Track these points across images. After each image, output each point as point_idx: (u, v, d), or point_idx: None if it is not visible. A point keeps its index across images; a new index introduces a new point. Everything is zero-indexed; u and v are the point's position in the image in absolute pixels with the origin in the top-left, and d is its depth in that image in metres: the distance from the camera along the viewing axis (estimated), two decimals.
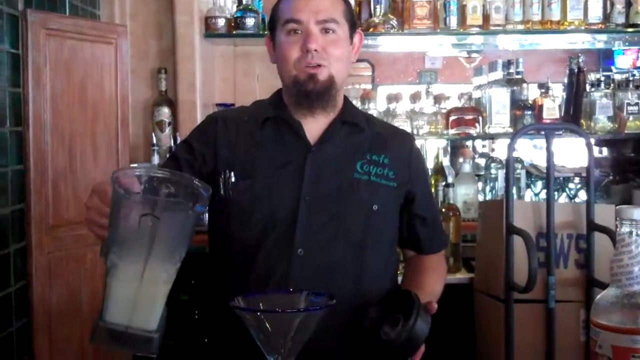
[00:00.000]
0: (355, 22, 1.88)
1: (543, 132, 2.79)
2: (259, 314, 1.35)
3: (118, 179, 1.31)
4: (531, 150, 5.07)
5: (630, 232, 1.15)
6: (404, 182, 1.86)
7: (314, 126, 1.83)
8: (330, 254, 1.75)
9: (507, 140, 2.84)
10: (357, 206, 1.79)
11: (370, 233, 1.80)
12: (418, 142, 3.49)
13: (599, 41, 3.86)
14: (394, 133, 1.99)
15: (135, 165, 3.27)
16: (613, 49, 4.86)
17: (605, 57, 6.51)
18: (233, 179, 1.79)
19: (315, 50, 1.73)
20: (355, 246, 1.78)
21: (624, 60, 6.00)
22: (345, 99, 1.92)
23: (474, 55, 5.99)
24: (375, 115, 3.40)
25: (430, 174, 3.32)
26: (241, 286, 1.70)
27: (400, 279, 2.00)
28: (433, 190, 3.16)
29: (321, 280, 1.71)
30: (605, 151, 4.05)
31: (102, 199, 1.44)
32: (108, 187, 1.37)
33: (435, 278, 1.95)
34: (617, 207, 1.15)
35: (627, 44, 3.97)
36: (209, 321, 1.91)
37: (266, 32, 1.92)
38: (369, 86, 7.28)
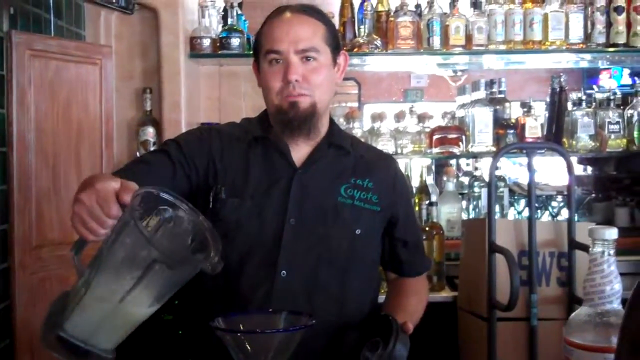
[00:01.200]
0: (339, 44, 1.88)
1: (525, 151, 2.82)
2: (238, 334, 1.36)
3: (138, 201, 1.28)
4: (516, 169, 5.12)
5: (603, 252, 1.17)
6: (388, 206, 1.88)
7: (300, 147, 1.85)
8: (313, 276, 1.77)
9: (491, 159, 2.87)
10: (341, 230, 1.80)
11: (353, 257, 1.81)
12: (402, 161, 3.54)
13: (583, 60, 3.90)
14: (378, 157, 2.00)
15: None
16: (600, 67, 4.92)
17: (589, 76, 6.59)
18: (223, 196, 1.80)
19: (297, 80, 1.74)
20: (338, 269, 1.79)
21: (608, 80, 6.09)
22: (332, 121, 1.93)
23: (459, 74, 6.05)
24: (359, 134, 3.44)
25: (414, 193, 3.34)
26: (225, 306, 1.71)
27: (382, 299, 2.01)
28: (417, 208, 3.19)
29: (304, 302, 1.73)
30: (587, 169, 4.08)
31: (100, 202, 1.35)
32: (111, 191, 1.33)
33: (416, 301, 1.95)
34: (589, 227, 1.16)
35: (608, 63, 4.01)
36: (193, 341, 1.90)
37: (252, 55, 1.93)
38: (355, 104, 7.34)
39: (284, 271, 1.75)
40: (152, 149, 3.49)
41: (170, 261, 1.25)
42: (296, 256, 1.77)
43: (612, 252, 1.17)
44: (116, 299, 1.27)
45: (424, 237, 2.93)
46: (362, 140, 2.48)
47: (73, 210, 1.39)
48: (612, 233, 1.16)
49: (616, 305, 1.16)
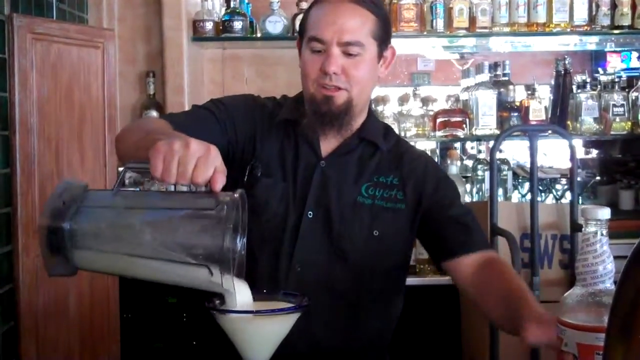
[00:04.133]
0: (389, 36, 1.77)
1: (527, 134, 2.81)
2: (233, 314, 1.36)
3: None
4: (523, 152, 5.09)
5: (595, 232, 1.16)
6: (417, 202, 1.76)
7: (330, 138, 1.78)
8: (328, 274, 1.72)
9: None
10: (357, 230, 1.73)
11: (370, 257, 1.73)
12: None
13: (590, 43, 3.89)
14: (406, 149, 1.85)
15: None
16: (605, 50, 4.89)
17: (597, 59, 6.54)
18: (258, 173, 1.76)
19: (335, 73, 1.66)
20: (352, 270, 1.73)
21: (617, 62, 6.03)
22: (370, 114, 1.83)
23: (466, 57, 6.02)
24: None
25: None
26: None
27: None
28: None
29: (316, 299, 1.69)
30: (592, 152, 4.07)
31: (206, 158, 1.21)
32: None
33: (518, 281, 1.63)
34: (582, 207, 1.16)
35: (613, 45, 3.99)
36: (197, 325, 1.90)
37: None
38: None
39: (299, 265, 1.71)
40: None
41: None
42: (311, 252, 1.72)
43: (604, 232, 1.16)
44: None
45: None
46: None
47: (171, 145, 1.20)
48: (604, 213, 1.16)
49: (609, 285, 1.15)
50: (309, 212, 1.73)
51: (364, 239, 1.73)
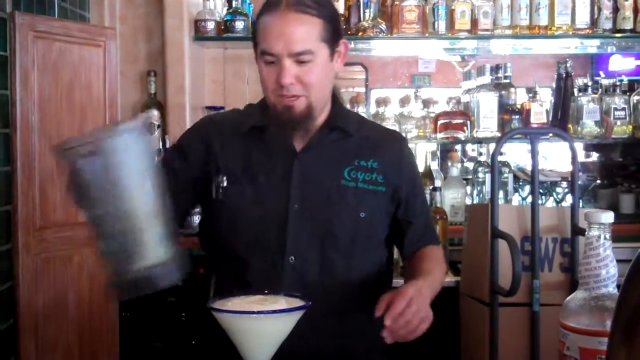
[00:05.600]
0: (339, 33, 1.79)
1: (529, 137, 2.81)
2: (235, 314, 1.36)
3: None
4: (524, 154, 5.08)
5: (599, 236, 1.16)
6: (394, 186, 1.84)
7: (300, 133, 1.81)
8: (320, 261, 1.76)
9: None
10: (344, 214, 1.78)
11: (359, 240, 1.79)
12: None
13: (591, 46, 3.89)
14: (385, 135, 1.96)
15: None
16: (608, 53, 4.89)
17: (598, 62, 6.53)
18: (224, 184, 1.80)
19: (290, 83, 1.69)
20: (343, 252, 1.78)
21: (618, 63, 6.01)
22: (335, 100, 1.87)
23: (467, 59, 6.02)
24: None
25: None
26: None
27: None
28: None
29: (315, 286, 1.72)
30: (593, 155, 4.06)
31: None
32: None
33: (431, 263, 1.85)
34: (585, 210, 1.16)
35: (615, 49, 3.99)
36: (197, 323, 1.91)
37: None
38: (362, 89, 7.30)
39: (292, 257, 1.75)
40: (156, 132, 3.50)
41: None
42: (303, 241, 1.76)
43: (608, 236, 1.16)
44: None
45: None
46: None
47: None
48: (608, 217, 1.16)
49: (611, 289, 1.16)
50: (295, 205, 1.76)
51: (351, 220, 1.78)
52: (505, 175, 3.44)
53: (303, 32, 1.68)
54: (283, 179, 1.78)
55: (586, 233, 1.18)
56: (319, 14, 1.71)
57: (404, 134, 3.45)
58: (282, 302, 1.41)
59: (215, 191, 1.81)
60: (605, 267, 1.15)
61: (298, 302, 1.41)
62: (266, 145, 1.81)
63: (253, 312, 1.36)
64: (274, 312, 1.37)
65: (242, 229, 1.78)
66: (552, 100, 3.59)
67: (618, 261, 1.19)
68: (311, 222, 1.76)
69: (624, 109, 3.41)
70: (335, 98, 1.88)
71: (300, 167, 1.79)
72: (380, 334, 1.84)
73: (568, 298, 1.19)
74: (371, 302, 1.81)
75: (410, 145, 3.54)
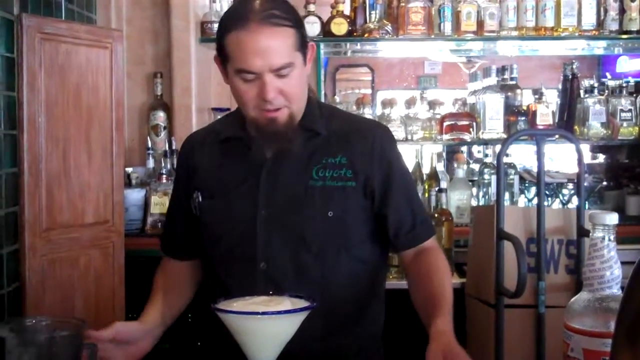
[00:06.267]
0: (305, 40, 1.74)
1: (534, 138, 2.80)
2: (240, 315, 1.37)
3: None
4: (530, 156, 5.08)
5: (603, 237, 1.16)
6: (365, 178, 1.77)
7: (280, 144, 1.78)
8: (292, 264, 1.74)
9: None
10: (312, 214, 1.74)
11: (330, 240, 1.76)
12: (412, 148, 3.53)
13: (598, 47, 3.88)
14: (356, 127, 1.86)
15: None
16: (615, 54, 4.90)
17: (605, 63, 6.52)
18: (200, 199, 1.83)
19: (274, 97, 1.66)
20: (316, 255, 1.75)
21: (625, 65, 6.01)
22: (308, 101, 1.82)
23: (474, 60, 6.02)
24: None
25: (417, 181, 3.31)
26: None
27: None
28: (426, 195, 3.18)
29: (286, 290, 1.70)
30: (599, 157, 4.06)
31: None
32: None
33: (438, 280, 1.75)
34: (590, 212, 1.16)
35: (621, 50, 3.99)
36: (202, 325, 1.92)
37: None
38: (368, 91, 7.33)
39: (263, 263, 1.74)
40: (162, 133, 3.51)
41: None
42: (273, 247, 1.75)
43: (612, 237, 1.16)
44: None
45: (433, 224, 2.94)
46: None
47: None
48: (612, 218, 1.16)
49: (616, 290, 1.16)
50: (262, 211, 1.76)
51: (319, 220, 1.75)
52: (511, 176, 3.44)
53: (281, 45, 1.64)
54: (252, 187, 1.78)
55: (590, 234, 1.18)
56: (291, 23, 1.67)
57: (409, 136, 3.47)
58: (286, 303, 1.42)
59: (194, 208, 1.85)
60: (610, 269, 1.15)
61: (303, 303, 1.42)
62: (238, 156, 1.81)
63: (258, 313, 1.37)
64: (279, 312, 1.37)
65: (217, 241, 1.81)
66: (558, 102, 3.59)
67: (624, 263, 1.19)
68: (280, 227, 1.75)
69: (630, 110, 3.40)
70: (308, 99, 1.84)
71: (268, 173, 1.78)
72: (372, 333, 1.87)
73: (572, 299, 1.19)
74: (358, 300, 1.82)
75: (416, 146, 3.58)
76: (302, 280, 1.74)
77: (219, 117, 2.42)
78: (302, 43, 1.71)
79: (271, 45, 1.63)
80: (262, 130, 1.72)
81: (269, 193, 1.76)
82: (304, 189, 1.76)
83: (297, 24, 1.70)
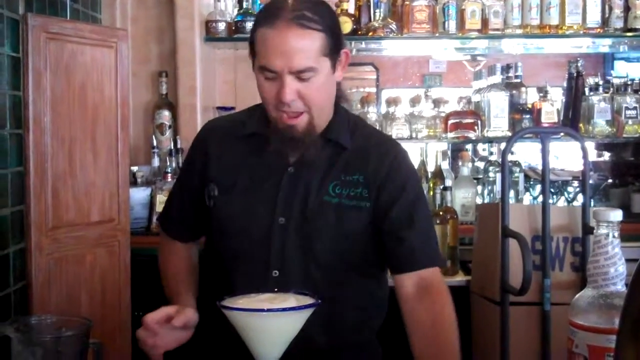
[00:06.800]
0: (341, 43, 1.72)
1: (539, 136, 2.81)
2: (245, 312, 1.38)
3: None
4: (535, 154, 5.08)
5: (607, 234, 1.17)
6: (379, 200, 1.76)
7: (297, 150, 1.77)
8: (303, 276, 1.73)
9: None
10: (325, 230, 1.74)
11: (341, 257, 1.75)
12: (417, 146, 3.54)
13: (603, 45, 3.88)
14: (377, 145, 1.83)
15: None
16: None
17: (612, 60, 6.51)
18: (216, 193, 1.81)
19: (292, 100, 1.65)
20: (326, 270, 1.74)
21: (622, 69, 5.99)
22: (336, 112, 1.81)
23: (479, 59, 6.01)
24: (374, 118, 3.44)
25: (422, 179, 3.30)
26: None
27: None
28: (431, 193, 3.19)
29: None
30: (604, 155, 4.05)
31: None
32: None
33: (444, 338, 1.70)
34: (594, 209, 1.16)
35: (626, 48, 3.98)
36: (209, 322, 1.91)
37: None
38: (373, 89, 7.32)
39: (275, 271, 1.74)
40: (167, 132, 3.52)
41: None
42: (287, 256, 1.74)
43: (616, 234, 1.17)
44: None
45: (437, 222, 2.94)
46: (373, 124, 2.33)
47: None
48: (616, 215, 1.16)
49: (620, 287, 1.16)
50: (280, 219, 1.75)
51: (331, 237, 1.74)
52: (516, 174, 3.44)
53: (304, 49, 1.62)
54: (272, 191, 1.76)
55: (594, 231, 1.19)
56: (321, 27, 1.64)
57: (414, 134, 3.47)
58: (291, 300, 1.42)
59: (208, 199, 1.82)
60: (614, 265, 1.16)
61: (308, 300, 1.42)
62: (262, 154, 1.79)
63: (263, 310, 1.37)
64: (284, 309, 1.38)
65: (229, 238, 1.79)
66: (563, 100, 3.59)
67: (630, 260, 1.19)
68: (294, 237, 1.74)
69: (635, 108, 3.40)
70: (338, 107, 1.82)
71: (289, 180, 1.76)
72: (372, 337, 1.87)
73: (577, 296, 1.19)
74: (364, 311, 1.82)
75: (421, 144, 3.58)
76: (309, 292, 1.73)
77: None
78: (333, 49, 1.68)
79: (295, 47, 1.61)
80: (281, 133, 1.71)
81: (287, 201, 1.75)
82: (319, 203, 1.74)
83: (330, 29, 1.67)
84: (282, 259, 1.74)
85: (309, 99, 1.66)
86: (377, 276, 1.88)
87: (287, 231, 1.74)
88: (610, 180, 3.73)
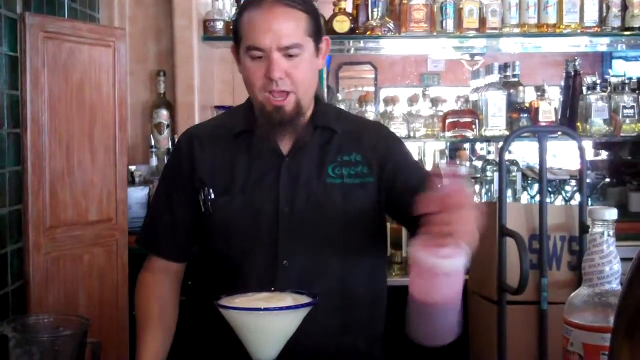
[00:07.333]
0: (322, 30, 1.80)
1: (536, 135, 2.81)
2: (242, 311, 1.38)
3: None
4: (533, 153, 5.08)
5: (602, 233, 1.17)
6: (382, 171, 1.79)
7: (286, 135, 1.80)
8: (314, 261, 1.75)
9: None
10: (333, 211, 1.75)
11: (350, 236, 1.77)
12: (415, 145, 3.55)
13: (601, 44, 3.89)
14: (365, 126, 1.92)
15: None
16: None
17: (610, 59, 6.52)
18: (212, 196, 1.79)
19: (280, 78, 1.68)
20: (336, 251, 1.76)
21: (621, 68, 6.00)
22: (317, 100, 1.85)
23: (476, 58, 6.02)
24: (372, 117, 3.44)
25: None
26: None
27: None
28: None
29: (307, 287, 1.71)
30: (601, 154, 4.06)
31: None
32: None
33: None
34: (590, 208, 1.17)
35: (624, 47, 3.99)
36: (205, 321, 1.91)
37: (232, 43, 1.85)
38: (371, 88, 7.34)
39: (285, 261, 1.74)
40: (165, 131, 3.52)
41: None
42: (295, 244, 1.75)
43: (611, 232, 1.17)
44: None
45: None
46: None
47: None
48: (611, 213, 1.17)
49: (615, 285, 1.16)
50: (285, 208, 1.76)
51: (339, 218, 1.76)
52: (514, 173, 3.45)
53: (291, 25, 1.69)
54: (272, 183, 1.77)
55: (590, 230, 1.19)
56: (305, 9, 1.72)
57: (412, 133, 3.48)
58: (288, 300, 1.42)
59: (204, 205, 1.81)
60: (609, 264, 1.16)
61: (305, 299, 1.42)
62: (253, 150, 1.80)
63: (260, 309, 1.37)
64: (281, 308, 1.38)
65: (235, 238, 1.78)
66: (561, 99, 3.59)
67: (627, 259, 1.20)
68: (302, 224, 1.75)
69: (632, 107, 3.41)
70: (318, 98, 1.87)
71: (288, 170, 1.78)
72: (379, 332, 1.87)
73: (572, 294, 1.20)
74: (370, 297, 1.83)
75: (419, 143, 3.60)
76: (323, 278, 1.74)
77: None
78: (315, 32, 1.74)
79: (282, 24, 1.68)
80: (270, 117, 1.72)
81: (289, 190, 1.76)
82: (323, 187, 1.76)
83: (312, 12, 1.75)
84: (290, 247, 1.75)
85: (295, 78, 1.70)
86: (382, 263, 1.90)
87: (293, 219, 1.75)
88: (607, 179, 3.74)
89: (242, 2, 1.79)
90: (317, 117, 1.82)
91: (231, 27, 3.43)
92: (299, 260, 1.75)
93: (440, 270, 1.24)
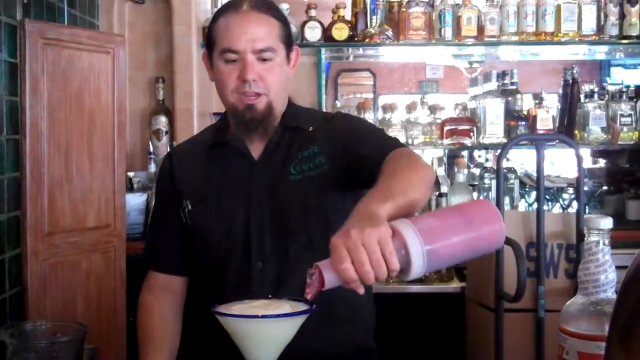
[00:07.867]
0: (292, 39, 1.86)
1: (534, 143, 2.82)
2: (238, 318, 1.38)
3: None
4: (531, 160, 5.09)
5: (598, 242, 1.17)
6: (332, 151, 1.79)
7: (257, 140, 1.83)
8: (286, 260, 1.78)
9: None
10: (295, 207, 1.78)
11: (315, 228, 1.77)
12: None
13: (599, 52, 3.90)
14: (324, 118, 1.92)
15: None
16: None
17: (608, 67, 6.53)
18: (190, 207, 1.85)
19: (253, 80, 1.72)
20: (306, 246, 1.77)
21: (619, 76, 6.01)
22: (290, 104, 1.89)
23: (475, 65, 6.03)
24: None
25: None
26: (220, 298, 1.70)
27: None
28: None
29: (280, 287, 1.74)
30: (599, 162, 4.07)
31: None
32: None
33: (387, 171, 1.54)
34: (585, 216, 1.17)
35: (622, 55, 4.00)
36: (202, 328, 1.92)
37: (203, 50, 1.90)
38: (370, 95, 7.34)
39: (259, 263, 1.78)
40: (164, 138, 3.53)
41: None
42: (267, 246, 1.78)
43: (607, 241, 1.17)
44: None
45: None
46: None
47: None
48: (607, 223, 1.17)
49: (610, 294, 1.17)
50: (256, 213, 1.79)
51: (301, 212, 1.78)
52: (512, 181, 3.46)
53: (265, 30, 1.75)
54: (243, 190, 1.81)
55: (585, 238, 1.19)
56: (277, 16, 1.80)
57: (410, 140, 3.48)
58: (286, 307, 1.43)
59: (184, 216, 1.87)
60: (604, 273, 1.16)
61: (302, 306, 1.43)
62: (225, 161, 1.85)
63: (257, 316, 1.38)
64: (278, 316, 1.38)
65: (213, 246, 1.82)
66: (559, 107, 3.60)
67: (622, 267, 1.20)
68: (272, 225, 1.79)
69: (630, 115, 3.41)
70: (290, 101, 1.91)
71: (258, 175, 1.82)
72: (367, 319, 1.88)
73: (567, 303, 1.20)
74: (355, 307, 1.83)
75: (417, 151, 3.58)
76: (298, 276, 1.68)
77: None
78: (287, 39, 1.80)
79: (256, 28, 1.74)
80: (241, 115, 1.76)
81: (259, 194, 1.80)
82: (287, 186, 1.79)
83: (283, 21, 1.81)
84: (262, 250, 1.78)
85: (267, 82, 1.74)
86: None
87: (264, 222, 1.79)
88: (605, 187, 3.74)
89: (217, 10, 1.85)
90: (287, 118, 1.86)
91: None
92: (272, 261, 1.78)
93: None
